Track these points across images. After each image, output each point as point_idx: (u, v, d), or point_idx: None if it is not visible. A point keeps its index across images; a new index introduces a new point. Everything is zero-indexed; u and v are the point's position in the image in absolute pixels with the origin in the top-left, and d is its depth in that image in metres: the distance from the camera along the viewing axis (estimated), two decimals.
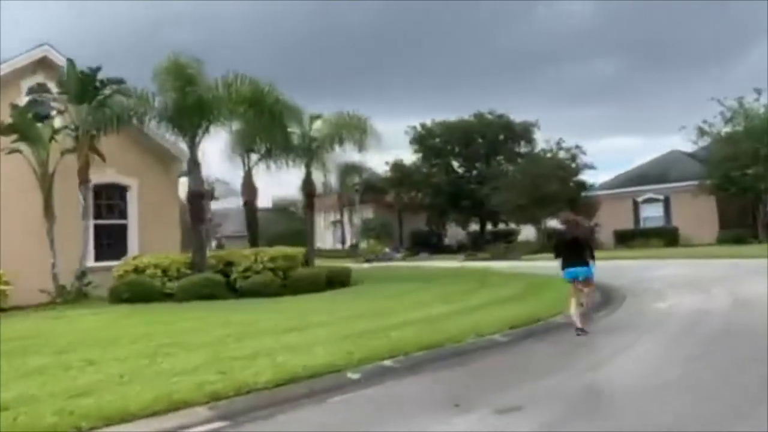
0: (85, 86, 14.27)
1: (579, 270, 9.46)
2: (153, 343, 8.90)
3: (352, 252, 44.60)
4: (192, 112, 15.75)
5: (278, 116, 16.02)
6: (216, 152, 20.63)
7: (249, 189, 20.55)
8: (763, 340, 7.80)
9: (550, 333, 9.82)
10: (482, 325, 9.79)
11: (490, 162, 46.01)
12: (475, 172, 47.76)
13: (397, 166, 48.74)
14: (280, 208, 67.67)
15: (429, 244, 48.58)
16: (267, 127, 16.90)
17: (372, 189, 50.06)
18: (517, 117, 48.05)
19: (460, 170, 49.51)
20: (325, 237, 54.08)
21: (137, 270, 15.46)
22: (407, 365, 7.65)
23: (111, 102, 15.05)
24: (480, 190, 43.17)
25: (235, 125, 17.93)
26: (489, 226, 49.87)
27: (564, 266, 9.59)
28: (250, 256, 16.47)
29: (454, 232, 54.26)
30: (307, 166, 18.68)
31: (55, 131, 14.53)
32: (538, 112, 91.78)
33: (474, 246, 42.92)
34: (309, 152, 18.44)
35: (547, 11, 79.60)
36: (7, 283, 14.26)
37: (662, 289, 14.65)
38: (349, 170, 49.88)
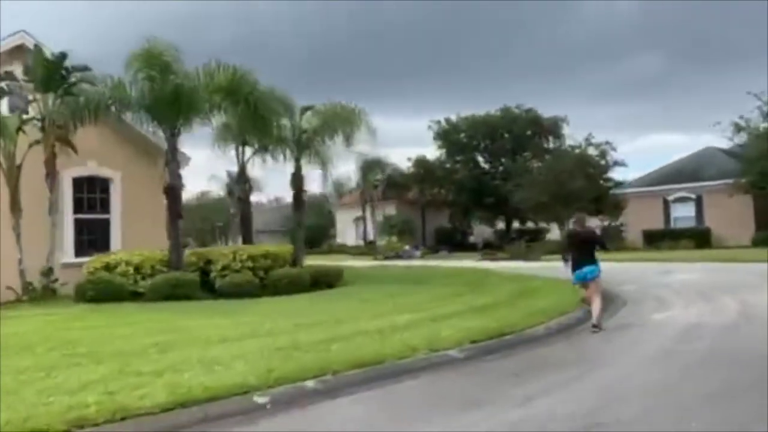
0: (50, 73, 13.59)
1: (587, 270, 9.84)
2: (70, 352, 8.13)
3: (370, 249, 43.62)
4: (169, 101, 14.97)
5: (254, 106, 15.07)
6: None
7: (243, 183, 19.72)
8: (747, 371, 6.57)
9: (516, 348, 8.72)
10: (443, 338, 8.72)
11: (515, 158, 44.43)
12: (500, 168, 46.28)
13: (420, 162, 47.60)
14: (310, 203, 67.32)
15: (453, 241, 47.35)
16: (247, 117, 16.01)
17: (395, 185, 49.07)
18: (549, 112, 46.56)
19: (485, 166, 48.11)
20: (347, 234, 53.38)
21: (108, 267, 14.75)
22: (329, 387, 6.66)
23: (80, 90, 14.33)
24: (504, 187, 41.77)
25: (222, 117, 17.06)
26: (516, 224, 48.42)
27: (574, 269, 9.99)
28: (228, 255, 15.63)
29: (480, 230, 52.91)
30: (297, 160, 17.74)
31: (24, 122, 13.87)
32: (574, 109, 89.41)
33: (488, 245, 41.53)
34: (299, 145, 17.49)
35: (589, 8, 77.30)
36: None
37: (668, 298, 13.31)
38: (371, 166, 49.17)
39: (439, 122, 48.75)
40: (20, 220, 14.18)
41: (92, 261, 14.88)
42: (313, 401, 6.24)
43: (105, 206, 17.62)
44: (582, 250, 9.99)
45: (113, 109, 15.35)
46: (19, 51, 15.98)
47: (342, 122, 17.40)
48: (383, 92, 77.70)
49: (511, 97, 76.68)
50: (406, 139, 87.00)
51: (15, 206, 14.07)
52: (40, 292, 14.02)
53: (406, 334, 9.03)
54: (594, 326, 9.52)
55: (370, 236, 49.03)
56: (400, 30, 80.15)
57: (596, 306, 9.71)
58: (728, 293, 13.22)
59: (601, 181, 41.10)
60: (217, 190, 58.84)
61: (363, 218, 49.95)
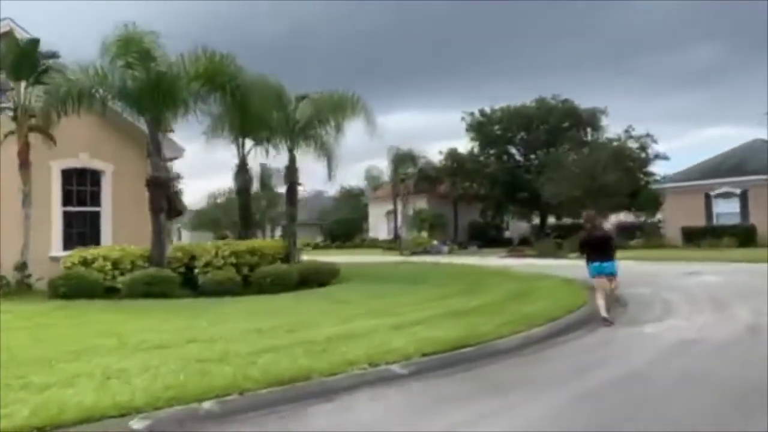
0: (21, 60, 13.08)
1: (605, 265, 10.21)
2: None
3: (394, 244, 42.66)
4: (149, 90, 14.33)
5: (235, 94, 14.26)
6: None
7: (242, 176, 19.02)
8: (717, 404, 5.40)
9: (472, 363, 7.68)
10: (391, 350, 7.73)
11: (549, 150, 42.68)
12: (535, 161, 44.58)
13: (452, 155, 46.31)
14: (348, 196, 66.83)
15: (486, 237, 45.93)
16: (233, 107, 15.26)
17: (427, 179, 47.92)
18: (589, 104, 44.63)
19: (520, 159, 46.49)
20: (379, 228, 52.52)
21: (86, 262, 14.22)
22: (226, 410, 5.80)
23: (62, 79, 13.80)
24: (537, 180, 40.19)
25: (212, 107, 16.32)
26: (552, 219, 46.70)
27: (590, 261, 10.37)
28: (211, 250, 14.92)
29: (517, 226, 51.31)
30: (291, 151, 16.88)
31: None
32: (618, 101, 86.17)
33: (524, 241, 39.99)
34: (293, 135, 16.64)
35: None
36: None
37: (676, 304, 11.97)
38: (402, 159, 48.14)
39: (472, 114, 47.39)
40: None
41: (70, 255, 14.38)
42: (197, 428, 5.39)
43: (96, 199, 17.14)
44: (599, 250, 10.35)
45: (97, 97, 14.71)
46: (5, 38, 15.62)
47: (334, 111, 16.47)
48: (418, 87, 76.47)
49: (549, 89, 74.34)
50: (441, 133, 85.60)
51: None
52: (14, 287, 13.56)
53: (355, 344, 8.08)
54: (604, 320, 9.79)
55: (402, 231, 48.05)
56: (434, 20, 78.67)
57: (601, 300, 9.98)
58: (748, 300, 11.82)
59: (641, 175, 39.16)
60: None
61: (394, 212, 49.00)
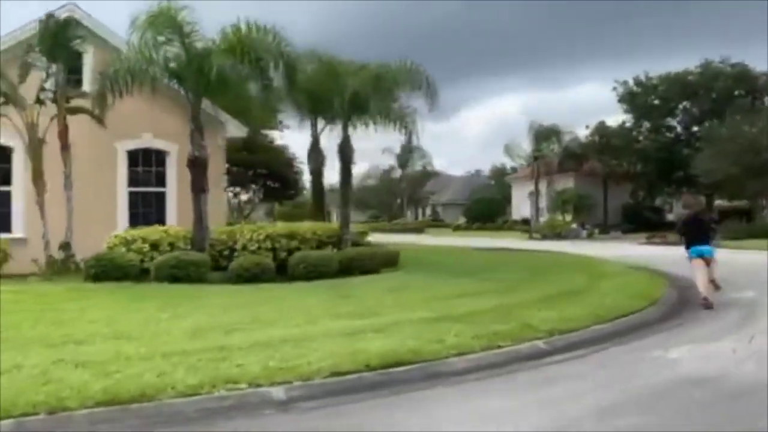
0: (56, 41, 13.11)
1: (704, 248, 10.30)
2: None
3: (525, 227, 39.83)
4: (187, 66, 13.85)
5: (255, 64, 13.21)
6: None
7: (315, 156, 18.10)
8: None
9: (397, 387, 6.05)
10: (299, 365, 6.32)
11: (712, 122, 37.09)
12: (695, 135, 39.11)
13: (600, 129, 42.14)
14: (499, 175, 64.42)
15: (642, 220, 41.26)
16: (285, 83, 14.33)
17: (573, 156, 44.26)
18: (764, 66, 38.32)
19: (680, 132, 41.10)
20: (522, 209, 49.60)
21: (126, 243, 14.12)
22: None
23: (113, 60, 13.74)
24: (695, 156, 35.16)
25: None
26: (721, 201, 40.87)
27: (688, 245, 10.52)
28: (247, 234, 14.17)
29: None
30: (345, 128, 15.61)
31: (39, 93, 13.65)
32: None
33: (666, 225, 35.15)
34: (347, 110, 15.35)
35: None
36: (4, 251, 13.96)
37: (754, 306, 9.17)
38: (546, 135, 44.80)
39: (625, 83, 42.67)
40: (45, 194, 14.06)
41: (112, 237, 14.37)
42: None
43: (161, 180, 17.19)
44: (696, 234, 10.55)
45: (149, 74, 14.46)
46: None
47: (394, 82, 14.92)
48: (570, 57, 70.77)
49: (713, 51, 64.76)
50: (593, 108, 78.88)
51: (38, 179, 13.97)
52: (60, 267, 13.80)
53: (267, 353, 6.72)
54: (704, 300, 9.84)
55: (543, 213, 44.94)
56: None
57: (702, 280, 10.05)
58: None
59: None
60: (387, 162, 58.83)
61: (536, 192, 45.94)
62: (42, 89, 13.74)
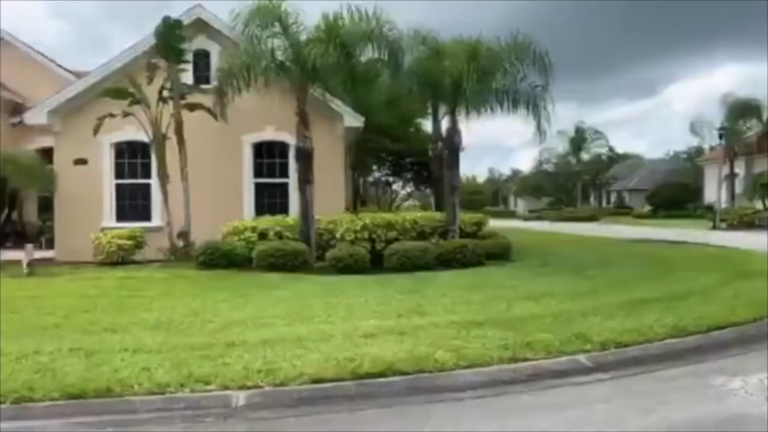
0: (169, 42, 13.91)
1: None
2: None
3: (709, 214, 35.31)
4: (297, 57, 14.08)
5: (339, 48, 12.83)
6: None
7: (435, 144, 17.49)
8: None
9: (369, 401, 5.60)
10: (282, 368, 6.12)
11: None
12: None
13: None
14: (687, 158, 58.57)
15: None
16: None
17: None
18: None
19: None
20: (715, 193, 44.02)
21: (237, 232, 14.70)
22: None
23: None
24: None
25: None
26: None
27: None
28: (344, 224, 14.02)
29: None
30: (452, 113, 14.77)
31: (161, 92, 14.63)
32: None
33: None
34: (452, 93, 14.52)
35: None
36: (135, 239, 15.25)
37: None
38: (742, 110, 39.53)
39: None
40: (167, 185, 15.07)
41: (226, 226, 15.01)
42: None
43: (284, 171, 17.68)
44: None
45: (261, 67, 14.85)
46: (199, 24, 16.96)
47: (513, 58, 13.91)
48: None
49: None
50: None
51: (162, 172, 15.01)
52: (181, 254, 14.74)
53: (258, 354, 6.53)
54: None
55: (737, 198, 39.74)
56: None
57: None
58: None
59: None
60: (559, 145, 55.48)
61: (731, 175, 40.70)
62: (163, 88, 14.70)
